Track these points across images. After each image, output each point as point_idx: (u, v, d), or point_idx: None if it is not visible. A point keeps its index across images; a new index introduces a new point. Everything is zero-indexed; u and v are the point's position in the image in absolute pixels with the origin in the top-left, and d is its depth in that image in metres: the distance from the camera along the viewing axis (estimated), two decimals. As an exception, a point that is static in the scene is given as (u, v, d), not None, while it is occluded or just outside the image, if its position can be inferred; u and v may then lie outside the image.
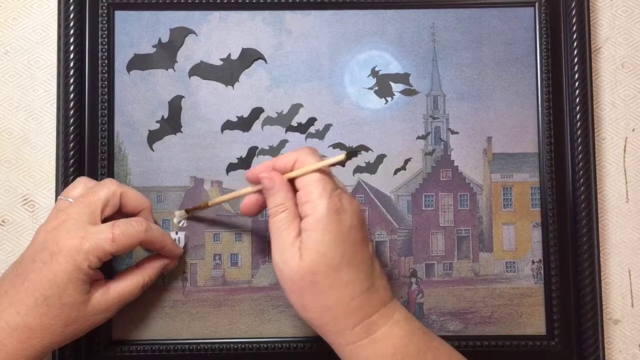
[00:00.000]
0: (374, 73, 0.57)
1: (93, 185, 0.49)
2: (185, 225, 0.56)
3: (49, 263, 0.45)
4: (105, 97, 0.55)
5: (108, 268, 0.54)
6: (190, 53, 0.57)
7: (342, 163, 0.44)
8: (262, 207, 0.49)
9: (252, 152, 0.56)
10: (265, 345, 0.55)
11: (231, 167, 0.56)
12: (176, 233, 0.55)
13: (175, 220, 0.55)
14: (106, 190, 0.48)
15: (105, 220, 0.48)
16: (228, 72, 0.57)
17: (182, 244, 0.55)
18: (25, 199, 0.56)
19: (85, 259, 0.45)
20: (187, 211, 0.55)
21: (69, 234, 0.45)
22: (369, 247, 0.45)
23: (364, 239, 0.45)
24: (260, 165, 0.47)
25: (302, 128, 0.57)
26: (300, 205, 0.44)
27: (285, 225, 0.43)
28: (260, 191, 0.48)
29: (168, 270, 0.54)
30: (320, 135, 0.57)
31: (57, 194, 0.54)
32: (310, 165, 0.44)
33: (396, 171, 0.57)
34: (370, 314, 0.43)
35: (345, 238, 0.42)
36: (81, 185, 0.50)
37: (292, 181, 0.45)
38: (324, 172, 0.44)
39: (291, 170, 0.45)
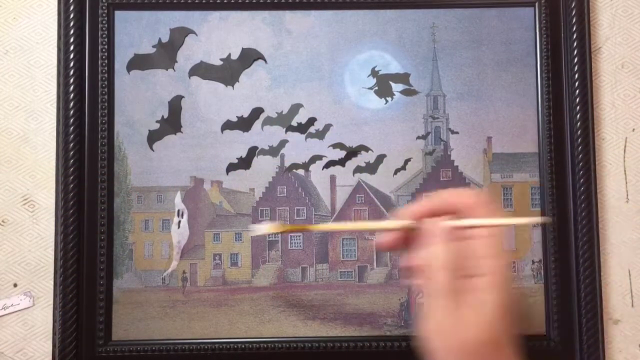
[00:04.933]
0: (374, 73, 0.57)
1: None
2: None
3: None
4: (105, 97, 0.55)
5: (109, 267, 0.54)
6: (190, 53, 0.57)
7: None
8: (405, 245, 0.40)
9: (252, 152, 0.56)
10: (265, 345, 0.55)
11: (231, 167, 0.56)
12: (178, 215, 0.56)
13: (262, 231, 0.42)
14: None
15: None
16: (228, 72, 0.57)
17: (185, 229, 0.56)
18: (25, 199, 0.56)
19: None
20: (283, 228, 0.46)
21: None
22: None
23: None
24: (420, 205, 0.39)
25: (302, 128, 0.57)
26: (473, 259, 0.37)
27: (449, 285, 0.36)
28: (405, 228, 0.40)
29: None
30: (320, 135, 0.57)
31: (57, 193, 0.54)
32: (498, 220, 0.37)
33: (396, 171, 0.57)
34: None
35: (509, 305, 0.36)
36: None
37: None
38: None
39: (452, 213, 0.38)
